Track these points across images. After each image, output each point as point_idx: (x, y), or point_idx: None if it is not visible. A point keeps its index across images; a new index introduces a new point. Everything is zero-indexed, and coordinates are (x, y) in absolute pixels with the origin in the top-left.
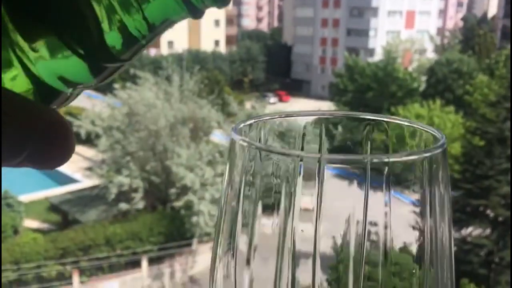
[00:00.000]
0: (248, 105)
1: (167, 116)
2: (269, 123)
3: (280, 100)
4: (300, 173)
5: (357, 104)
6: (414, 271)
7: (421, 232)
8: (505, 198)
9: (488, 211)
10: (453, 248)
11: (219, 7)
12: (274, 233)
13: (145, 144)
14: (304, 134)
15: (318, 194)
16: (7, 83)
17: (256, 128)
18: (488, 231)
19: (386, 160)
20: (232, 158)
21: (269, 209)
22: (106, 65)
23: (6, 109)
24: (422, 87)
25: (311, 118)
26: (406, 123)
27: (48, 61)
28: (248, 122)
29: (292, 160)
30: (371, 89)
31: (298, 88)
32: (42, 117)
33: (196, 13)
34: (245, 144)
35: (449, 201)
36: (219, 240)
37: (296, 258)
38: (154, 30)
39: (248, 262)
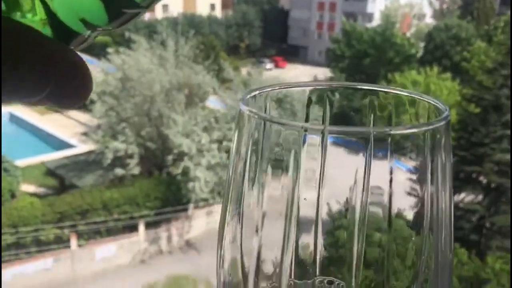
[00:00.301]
0: (244, 71)
1: (162, 82)
2: (274, 93)
3: (277, 66)
4: (304, 143)
5: (354, 70)
6: (413, 237)
7: (422, 199)
8: (498, 165)
9: (481, 178)
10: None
11: None
12: (280, 200)
13: (140, 109)
14: (307, 105)
15: (321, 163)
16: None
17: (262, 98)
18: (480, 197)
19: (389, 132)
20: (239, 127)
21: (275, 176)
22: (125, 10)
23: (31, 46)
24: (420, 53)
25: (314, 89)
26: (406, 94)
27: None
28: (254, 93)
29: (296, 131)
30: (368, 55)
31: (294, 53)
32: (64, 55)
33: None
34: (252, 114)
35: (451, 169)
36: (227, 206)
37: (300, 224)
38: None
39: (255, 228)
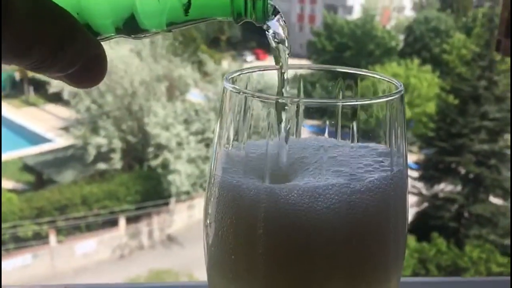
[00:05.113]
0: (225, 63)
1: (141, 75)
2: (254, 75)
3: (258, 58)
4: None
5: (335, 63)
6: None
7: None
8: (476, 156)
9: (460, 168)
10: (408, 185)
11: (259, 23)
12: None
13: (121, 103)
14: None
15: (296, 131)
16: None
17: (243, 79)
18: (459, 187)
19: (355, 103)
20: (224, 102)
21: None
22: (151, 30)
23: (73, 33)
24: (400, 45)
25: (290, 71)
26: (370, 74)
27: (105, 7)
28: (237, 74)
29: (274, 104)
30: (349, 48)
31: None
32: (96, 47)
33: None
34: (235, 90)
35: (405, 133)
36: (212, 168)
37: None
38: (195, 21)
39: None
